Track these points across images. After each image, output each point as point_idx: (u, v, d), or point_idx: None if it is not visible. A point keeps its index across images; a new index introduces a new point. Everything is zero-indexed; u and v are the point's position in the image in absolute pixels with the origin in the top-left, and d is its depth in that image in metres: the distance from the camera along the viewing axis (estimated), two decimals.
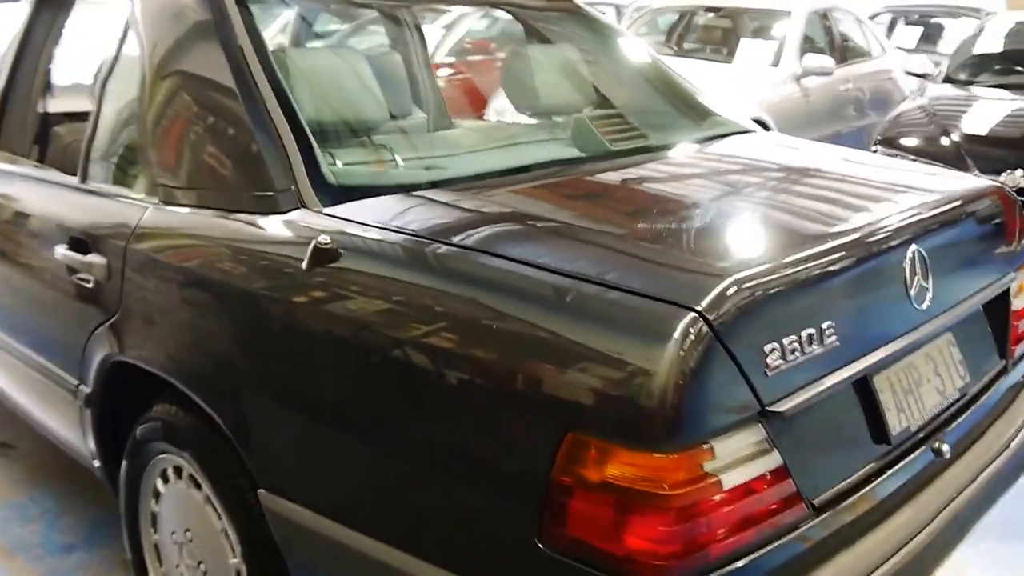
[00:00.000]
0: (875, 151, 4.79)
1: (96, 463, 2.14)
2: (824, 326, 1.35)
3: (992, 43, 6.04)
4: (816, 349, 1.33)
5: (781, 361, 1.28)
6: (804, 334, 1.32)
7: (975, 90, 5.45)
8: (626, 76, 2.65)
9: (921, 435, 1.60)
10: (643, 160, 2.11)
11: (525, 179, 1.87)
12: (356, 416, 1.47)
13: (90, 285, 1.95)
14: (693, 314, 1.19)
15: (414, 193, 1.72)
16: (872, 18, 9.88)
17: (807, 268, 1.40)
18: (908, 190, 1.96)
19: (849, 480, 1.43)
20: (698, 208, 1.76)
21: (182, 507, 1.88)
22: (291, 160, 1.69)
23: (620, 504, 1.18)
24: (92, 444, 2.11)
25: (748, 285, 1.28)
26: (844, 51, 6.96)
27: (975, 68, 5.79)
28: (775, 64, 6.24)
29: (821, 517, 1.35)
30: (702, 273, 1.34)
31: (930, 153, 4.58)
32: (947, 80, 5.74)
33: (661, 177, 2.02)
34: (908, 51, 8.69)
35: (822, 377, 1.35)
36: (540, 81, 2.35)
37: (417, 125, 2.43)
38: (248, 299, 1.61)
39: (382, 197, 1.70)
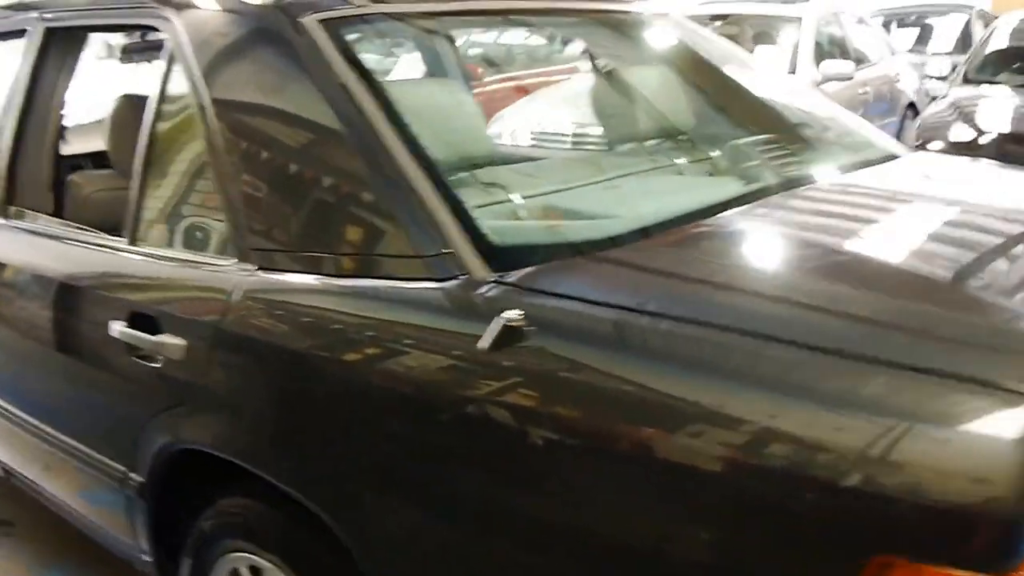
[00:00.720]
0: None
1: (146, 558, 1.88)
2: None
3: (1007, 42, 5.93)
4: None
5: None
6: None
7: (998, 89, 5.36)
8: (749, 95, 2.37)
9: None
10: (829, 191, 1.83)
11: (714, 224, 1.58)
12: (542, 527, 1.19)
13: (158, 366, 1.66)
14: None
15: (601, 253, 1.43)
16: None
17: None
18: None
19: None
20: (951, 253, 1.53)
21: None
22: (437, 217, 1.41)
23: None
24: (143, 538, 1.85)
25: None
26: (858, 55, 6.82)
27: (994, 67, 5.69)
28: (792, 71, 6.06)
29: None
30: None
31: (969, 154, 4.46)
32: (967, 81, 5.63)
33: (873, 215, 1.77)
34: (909, 52, 8.60)
35: None
36: (661, 103, 2.09)
37: (549, 162, 2.12)
38: (394, 384, 1.32)
39: (564, 260, 1.41)
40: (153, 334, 1.66)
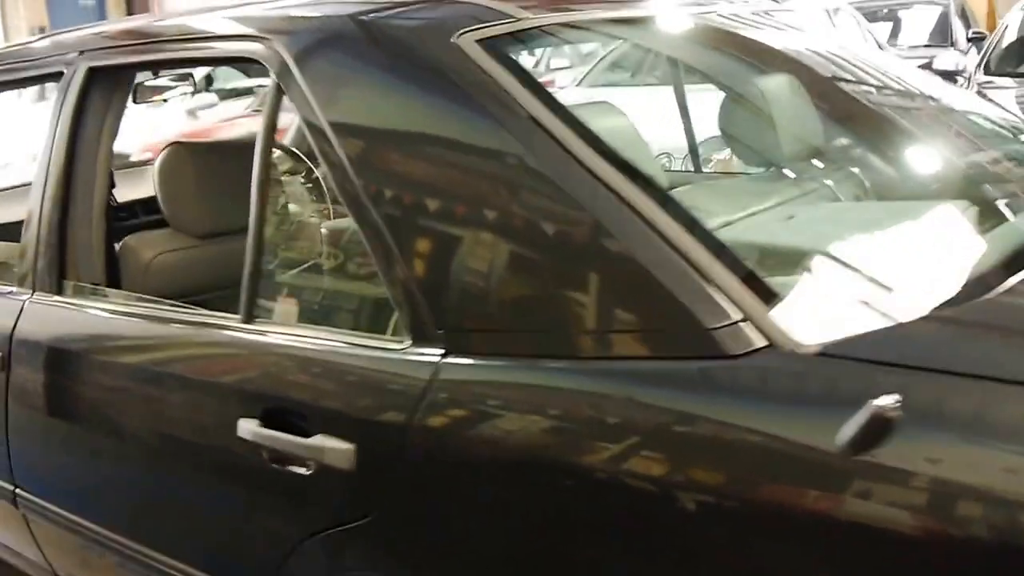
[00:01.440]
0: None
1: None
2: None
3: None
4: None
5: None
6: None
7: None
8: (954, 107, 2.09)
9: None
10: None
11: None
12: None
13: (308, 474, 1.34)
14: None
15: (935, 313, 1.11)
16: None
17: None
18: None
19: None
20: None
21: None
22: (712, 274, 1.11)
23: None
24: None
25: None
26: None
27: (1017, 59, 5.58)
28: None
29: None
30: None
31: None
32: (988, 73, 5.52)
33: None
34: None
35: None
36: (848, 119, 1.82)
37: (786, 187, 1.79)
38: (693, 496, 1.03)
39: (888, 322, 1.09)
40: (300, 435, 1.34)
